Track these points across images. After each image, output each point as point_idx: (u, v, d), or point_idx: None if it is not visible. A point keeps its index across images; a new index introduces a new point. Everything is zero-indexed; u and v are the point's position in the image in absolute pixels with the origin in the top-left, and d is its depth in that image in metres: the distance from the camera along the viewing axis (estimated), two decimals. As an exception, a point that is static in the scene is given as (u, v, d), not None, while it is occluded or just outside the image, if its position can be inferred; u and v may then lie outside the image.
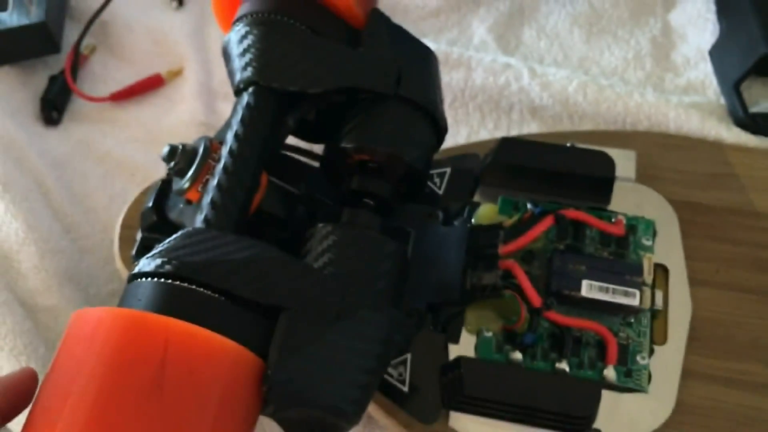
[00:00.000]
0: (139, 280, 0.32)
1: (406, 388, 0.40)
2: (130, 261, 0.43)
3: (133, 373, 0.28)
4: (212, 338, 0.29)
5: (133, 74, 0.55)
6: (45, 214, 0.47)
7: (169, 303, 0.31)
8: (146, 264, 0.32)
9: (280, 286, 0.32)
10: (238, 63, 0.39)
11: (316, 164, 0.43)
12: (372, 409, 0.40)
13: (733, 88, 0.50)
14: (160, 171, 0.45)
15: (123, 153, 0.52)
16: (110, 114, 0.54)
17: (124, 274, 0.44)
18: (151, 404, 0.28)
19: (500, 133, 0.51)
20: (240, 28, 0.39)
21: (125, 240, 0.45)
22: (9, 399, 0.29)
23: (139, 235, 0.42)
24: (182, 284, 0.31)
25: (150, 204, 0.40)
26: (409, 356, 0.40)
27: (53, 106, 0.53)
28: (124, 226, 0.45)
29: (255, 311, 0.32)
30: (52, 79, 0.54)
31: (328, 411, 0.32)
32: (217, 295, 0.31)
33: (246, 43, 0.38)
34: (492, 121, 0.52)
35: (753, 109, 0.50)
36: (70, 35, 0.57)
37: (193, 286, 0.31)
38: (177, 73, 0.56)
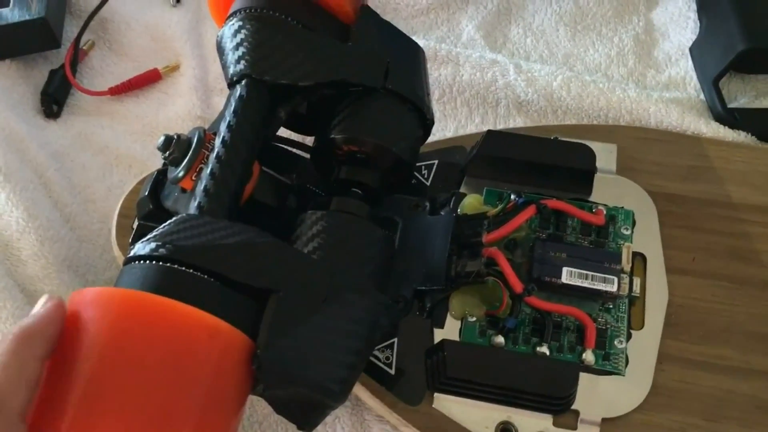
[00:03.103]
0: (134, 263, 0.33)
1: (392, 371, 0.41)
2: (127, 249, 0.44)
3: (128, 349, 0.29)
4: (205, 318, 0.31)
5: (131, 69, 0.57)
6: (45, 204, 0.49)
7: (164, 284, 0.32)
8: (142, 248, 0.33)
9: (270, 269, 0.34)
10: (231, 56, 0.40)
11: (307, 156, 0.44)
12: (359, 390, 0.41)
13: (712, 84, 0.52)
14: (157, 163, 0.47)
15: (121, 145, 0.53)
16: (109, 107, 0.55)
17: (121, 261, 0.45)
18: (144, 380, 0.29)
19: (487, 127, 0.52)
20: (234, 23, 0.40)
21: (122, 228, 0.46)
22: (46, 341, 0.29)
23: (135, 224, 0.43)
24: (176, 267, 0.32)
25: (146, 193, 0.41)
26: (395, 340, 0.42)
27: (53, 100, 0.54)
28: (121, 215, 0.47)
29: (246, 294, 0.33)
30: (52, 74, 0.55)
31: (315, 390, 0.33)
32: (209, 278, 0.33)
33: (239, 37, 0.40)
34: (479, 116, 0.53)
35: (731, 105, 0.51)
36: (69, 31, 0.58)
37: (187, 269, 0.33)
38: (174, 69, 0.57)
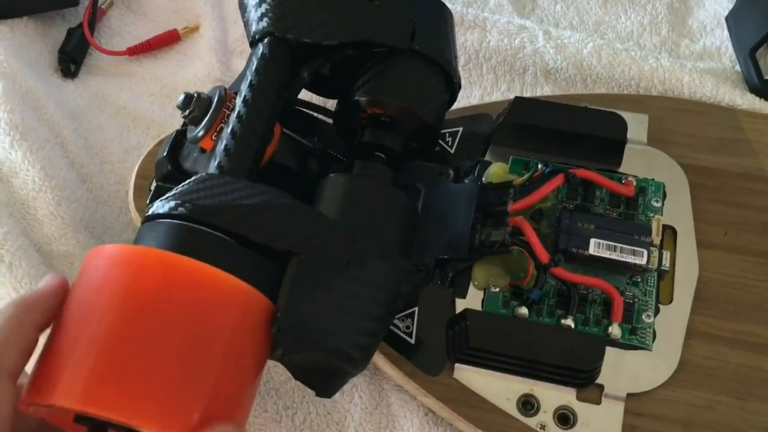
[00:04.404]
0: (153, 221, 0.33)
1: (412, 341, 0.40)
2: (145, 210, 0.44)
3: (145, 307, 0.29)
4: (224, 277, 0.30)
5: (149, 30, 0.56)
6: (62, 164, 0.48)
7: (183, 243, 0.31)
8: (160, 206, 0.33)
9: (291, 231, 0.33)
10: (254, 14, 0.39)
11: (329, 121, 0.43)
12: (378, 359, 0.40)
13: (748, 55, 0.50)
14: (175, 125, 0.46)
15: (139, 106, 0.52)
16: (126, 68, 0.54)
17: (138, 223, 0.44)
18: (162, 338, 0.28)
19: (513, 95, 0.50)
20: (257, -21, 0.39)
21: (140, 190, 0.45)
22: (46, 311, 0.30)
23: (153, 185, 0.43)
24: (195, 226, 0.32)
25: (165, 154, 0.41)
26: (416, 310, 0.41)
27: (71, 59, 0.53)
28: (139, 176, 0.46)
29: (266, 255, 0.33)
30: (70, 32, 0.54)
31: (335, 355, 0.32)
32: (229, 238, 0.32)
33: (262, -7, 0.39)
34: (505, 83, 0.52)
35: (768, 76, 0.50)
36: (88, -11, 0.57)
37: (206, 228, 0.32)
38: (193, 30, 0.56)
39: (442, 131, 0.46)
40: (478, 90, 0.52)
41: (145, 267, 0.29)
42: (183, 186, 0.34)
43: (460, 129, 0.47)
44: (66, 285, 0.31)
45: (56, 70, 0.54)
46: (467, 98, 0.52)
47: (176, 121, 0.49)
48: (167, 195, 0.33)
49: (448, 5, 0.51)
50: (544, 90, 0.51)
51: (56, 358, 0.28)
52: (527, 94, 0.51)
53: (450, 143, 0.46)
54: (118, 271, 0.29)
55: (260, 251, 0.32)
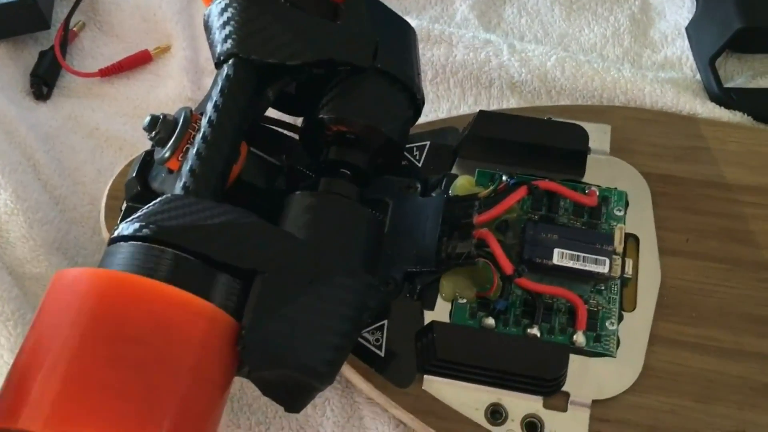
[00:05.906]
0: (118, 243, 0.33)
1: (382, 353, 0.41)
2: (114, 231, 0.44)
3: (109, 330, 0.29)
4: (188, 298, 0.30)
5: (121, 50, 0.56)
6: (34, 186, 0.48)
7: (147, 264, 0.32)
8: (125, 228, 0.33)
9: (256, 250, 0.34)
10: (218, 35, 0.39)
11: (297, 137, 0.43)
12: (349, 373, 0.41)
13: (708, 64, 0.51)
14: (148, 145, 0.46)
15: (111, 127, 0.53)
16: (99, 89, 0.55)
17: (110, 243, 0.45)
18: (127, 359, 0.29)
19: (480, 108, 0.51)
20: (220, 1, 0.40)
21: (111, 210, 0.46)
22: None
23: (124, 206, 0.43)
24: (159, 247, 0.32)
25: (134, 174, 0.41)
26: (385, 322, 0.41)
27: (43, 81, 0.54)
28: (110, 197, 0.46)
29: (231, 274, 0.33)
30: (42, 55, 0.55)
31: (301, 371, 0.33)
32: (193, 258, 0.32)
33: (226, 15, 0.39)
34: (472, 97, 0.53)
35: (727, 85, 0.51)
36: (59, 12, 0.57)
37: (170, 249, 0.32)
38: (165, 50, 0.56)
39: (410, 145, 0.47)
40: (445, 104, 0.53)
41: (109, 290, 0.30)
42: (148, 207, 0.34)
43: (428, 143, 0.47)
44: None
45: (28, 93, 0.54)
46: (435, 112, 0.52)
47: (148, 141, 0.49)
48: (132, 216, 0.34)
49: (415, 21, 0.52)
50: (510, 102, 0.52)
51: (21, 381, 0.29)
52: (494, 107, 0.52)
53: (418, 157, 0.47)
54: (81, 295, 0.29)
55: (225, 270, 0.33)
